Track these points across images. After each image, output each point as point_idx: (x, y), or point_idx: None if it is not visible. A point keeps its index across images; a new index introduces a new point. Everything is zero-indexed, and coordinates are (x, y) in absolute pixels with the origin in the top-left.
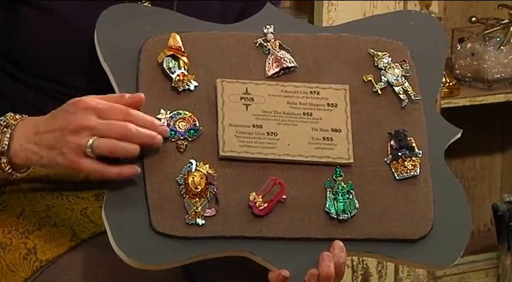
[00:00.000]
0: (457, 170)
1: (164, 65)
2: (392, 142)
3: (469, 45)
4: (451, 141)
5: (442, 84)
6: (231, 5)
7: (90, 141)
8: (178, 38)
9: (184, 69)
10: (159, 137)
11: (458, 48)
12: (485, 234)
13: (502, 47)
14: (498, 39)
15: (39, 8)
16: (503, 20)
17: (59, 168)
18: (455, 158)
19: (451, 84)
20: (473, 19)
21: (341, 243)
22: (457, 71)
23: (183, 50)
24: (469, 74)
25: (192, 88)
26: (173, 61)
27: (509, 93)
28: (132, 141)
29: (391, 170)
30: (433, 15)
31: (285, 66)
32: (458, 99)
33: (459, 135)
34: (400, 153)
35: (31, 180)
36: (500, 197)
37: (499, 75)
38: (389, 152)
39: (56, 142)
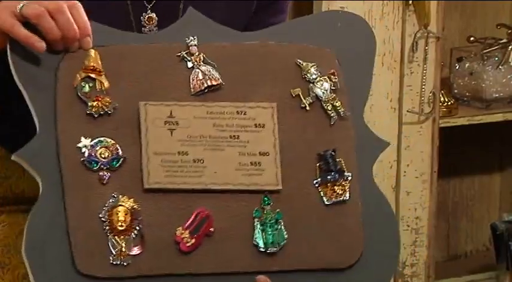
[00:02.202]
0: (455, 189)
1: (78, 90)
2: (320, 163)
3: (467, 65)
4: (380, 154)
5: (441, 104)
6: (240, 5)
7: (22, 3)
8: (94, 54)
9: (102, 91)
10: (86, 41)
11: (457, 67)
12: (484, 253)
13: (500, 67)
14: (496, 58)
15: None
16: (502, 39)
17: None
18: (454, 177)
19: (449, 103)
20: (472, 38)
21: (264, 279)
22: (456, 91)
23: (99, 69)
24: (467, 94)
25: (110, 111)
26: (87, 84)
27: (508, 112)
28: (58, 22)
29: (320, 193)
30: (431, 34)
31: (209, 84)
32: (456, 119)
33: (388, 147)
34: (329, 177)
35: (30, 200)
36: (499, 216)
37: (497, 95)
38: (318, 174)
39: None
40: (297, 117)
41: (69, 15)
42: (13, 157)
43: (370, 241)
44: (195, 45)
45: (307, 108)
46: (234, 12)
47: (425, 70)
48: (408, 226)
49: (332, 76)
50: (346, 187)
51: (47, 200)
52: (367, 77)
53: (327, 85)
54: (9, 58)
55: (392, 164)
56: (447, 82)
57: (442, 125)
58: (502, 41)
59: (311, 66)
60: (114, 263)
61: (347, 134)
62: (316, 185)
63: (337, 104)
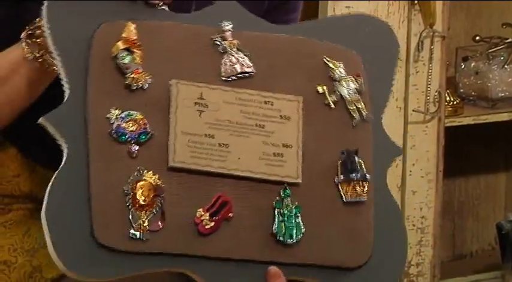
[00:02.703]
0: (461, 189)
1: (118, 59)
2: (342, 161)
3: (473, 64)
4: (393, 161)
5: (446, 103)
6: (251, 4)
7: None
8: (133, 27)
9: (139, 64)
10: None
11: (462, 67)
12: (489, 253)
13: (506, 66)
14: (502, 58)
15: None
16: (507, 38)
17: None
18: (459, 176)
19: (455, 103)
20: (477, 38)
21: (277, 270)
22: (461, 90)
23: (138, 42)
24: (473, 93)
25: (145, 87)
26: (128, 55)
27: None
28: None
29: (340, 190)
30: (436, 33)
31: (242, 70)
32: (462, 118)
33: (400, 155)
34: (352, 175)
35: (38, 199)
36: (505, 216)
37: (503, 94)
38: (339, 172)
39: None
40: (321, 114)
41: None
42: (40, 120)
43: (379, 244)
44: (230, 30)
45: (331, 106)
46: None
47: (431, 69)
48: (414, 225)
49: (358, 78)
50: (365, 188)
51: (71, 166)
52: (389, 83)
53: (352, 86)
54: (44, 22)
55: (398, 163)
56: (453, 81)
57: (448, 125)
58: (507, 41)
59: (339, 65)
60: (132, 236)
61: (367, 137)
62: (337, 182)
63: (361, 106)
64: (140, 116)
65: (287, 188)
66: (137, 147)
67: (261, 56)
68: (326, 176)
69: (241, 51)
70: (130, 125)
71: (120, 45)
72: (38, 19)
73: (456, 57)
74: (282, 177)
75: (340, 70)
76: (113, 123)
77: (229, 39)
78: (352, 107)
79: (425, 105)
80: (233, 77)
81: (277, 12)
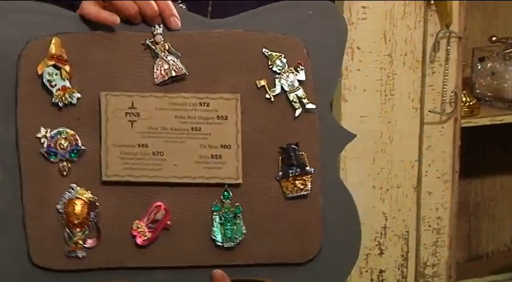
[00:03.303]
0: (477, 190)
1: (44, 78)
2: (283, 157)
3: (489, 65)
4: (345, 146)
5: (462, 104)
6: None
7: None
8: (59, 42)
9: (67, 80)
10: (173, 20)
11: (479, 67)
12: (505, 254)
13: None
14: None
15: (67, 7)
16: None
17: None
18: (475, 177)
19: (471, 103)
20: (494, 38)
21: (221, 273)
22: (477, 90)
23: (65, 57)
24: (489, 94)
25: (74, 101)
26: (54, 72)
27: None
28: (136, 2)
29: (281, 187)
30: (453, 34)
31: (173, 74)
32: (478, 119)
33: (353, 139)
34: (290, 171)
35: None
36: None
37: None
38: (280, 168)
39: None
40: (262, 108)
41: None
42: None
43: (330, 235)
44: (160, 33)
45: (272, 100)
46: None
47: (447, 70)
48: (429, 226)
49: (299, 67)
50: (308, 181)
51: (4, 189)
52: (337, 67)
53: (292, 76)
54: None
55: (414, 164)
56: (469, 82)
57: (464, 125)
58: None
59: (278, 57)
60: (69, 255)
61: (312, 126)
62: (278, 179)
63: (303, 96)
64: (71, 133)
65: (227, 189)
66: (69, 165)
67: (195, 55)
68: (268, 174)
69: (172, 54)
70: (62, 142)
71: (47, 62)
72: None
73: (472, 57)
74: (222, 179)
75: (280, 61)
76: (43, 142)
77: (161, 42)
78: (293, 99)
79: (441, 106)
80: (166, 81)
81: None
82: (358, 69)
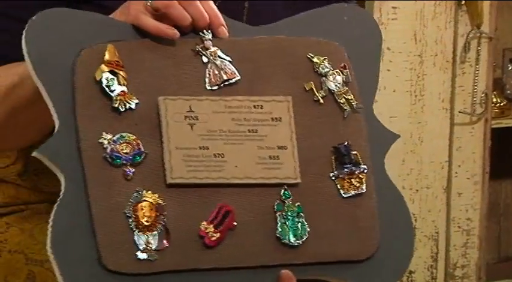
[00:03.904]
0: (507, 191)
1: (103, 83)
2: (336, 156)
3: None
4: (390, 147)
5: (493, 105)
6: (299, 4)
7: None
8: (113, 49)
9: (124, 85)
10: (221, 30)
11: (509, 68)
12: None
13: None
14: None
15: (100, 8)
16: None
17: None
18: (505, 178)
19: (501, 104)
20: None
21: (289, 273)
22: (508, 91)
23: (121, 63)
24: None
25: (133, 107)
26: (112, 78)
27: None
28: (188, 11)
29: (337, 186)
30: (483, 34)
31: (226, 78)
32: (508, 120)
33: (398, 139)
34: (346, 170)
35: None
36: None
37: None
38: (334, 167)
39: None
40: (311, 110)
41: (199, 5)
42: (34, 154)
43: (385, 233)
44: (210, 39)
45: (321, 101)
46: (297, 11)
47: (478, 71)
48: (459, 227)
49: (343, 69)
50: (363, 179)
51: (70, 196)
52: (375, 70)
53: (339, 78)
54: (25, 53)
55: (444, 164)
56: (499, 83)
57: (494, 126)
58: None
59: (323, 60)
60: (140, 258)
61: (360, 127)
62: (333, 178)
63: (350, 97)
64: (132, 137)
65: (287, 189)
66: (133, 170)
67: (244, 61)
68: (323, 173)
69: (224, 59)
70: (124, 147)
71: (104, 68)
72: None
73: (503, 58)
74: (281, 179)
75: (325, 64)
76: (106, 147)
77: (210, 48)
78: (341, 100)
79: (471, 107)
80: (219, 86)
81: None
82: (388, 70)
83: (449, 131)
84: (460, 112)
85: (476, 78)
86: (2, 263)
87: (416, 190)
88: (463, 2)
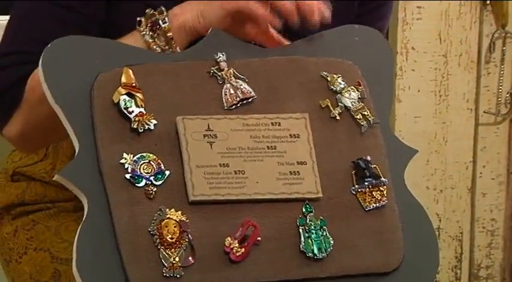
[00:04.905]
0: None
1: (121, 105)
2: (356, 171)
3: None
4: (408, 162)
5: None
6: (343, 9)
7: None
8: (130, 72)
9: (141, 107)
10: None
11: None
12: None
13: None
14: None
15: (139, 3)
16: None
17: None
18: None
19: None
20: None
21: None
22: None
23: (137, 86)
24: None
25: (152, 127)
26: (129, 99)
27: None
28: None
29: (358, 200)
30: (509, 34)
31: (242, 97)
32: None
33: (416, 155)
34: (366, 183)
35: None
36: None
37: None
38: (354, 181)
39: None
40: (328, 127)
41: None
42: (55, 177)
43: (409, 245)
44: (225, 61)
45: (337, 118)
46: (337, 16)
47: (503, 71)
48: (484, 228)
49: (358, 86)
50: (384, 192)
51: (93, 217)
52: (388, 89)
53: (354, 95)
54: (42, 78)
55: (468, 165)
56: None
57: None
58: None
59: (337, 77)
60: (167, 275)
61: (378, 142)
62: (354, 192)
63: (366, 113)
64: (153, 157)
65: (308, 203)
66: (155, 189)
67: (258, 81)
68: (344, 187)
69: (239, 78)
70: (145, 167)
71: (121, 91)
72: (155, 11)
73: None
74: (303, 194)
75: (339, 81)
76: (127, 168)
77: (225, 69)
78: (358, 116)
79: (496, 107)
80: (236, 105)
81: (372, 17)
82: (413, 70)
83: (473, 131)
84: (484, 112)
85: (501, 78)
86: (27, 261)
87: (441, 190)
88: (488, 2)
